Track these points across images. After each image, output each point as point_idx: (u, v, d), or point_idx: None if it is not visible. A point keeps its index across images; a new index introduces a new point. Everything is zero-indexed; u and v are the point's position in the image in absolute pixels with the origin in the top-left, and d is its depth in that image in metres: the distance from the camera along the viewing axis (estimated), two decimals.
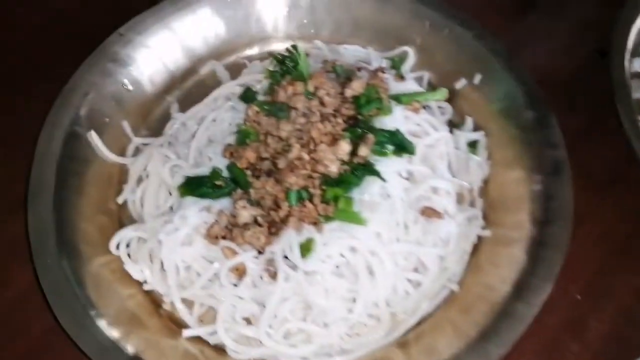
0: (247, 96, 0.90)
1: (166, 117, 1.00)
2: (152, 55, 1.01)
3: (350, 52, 1.05)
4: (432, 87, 1.00)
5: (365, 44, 1.06)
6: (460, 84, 0.98)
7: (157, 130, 0.99)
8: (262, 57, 1.06)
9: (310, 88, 0.83)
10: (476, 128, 0.94)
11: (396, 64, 1.02)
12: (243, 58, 1.07)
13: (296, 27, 1.07)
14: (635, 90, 1.01)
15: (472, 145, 0.93)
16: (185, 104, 1.01)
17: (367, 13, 1.05)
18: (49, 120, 0.89)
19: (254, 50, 1.07)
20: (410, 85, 0.95)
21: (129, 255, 0.84)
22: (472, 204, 0.89)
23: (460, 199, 0.88)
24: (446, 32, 0.99)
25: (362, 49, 1.06)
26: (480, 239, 0.85)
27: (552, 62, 1.08)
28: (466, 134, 0.93)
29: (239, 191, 0.79)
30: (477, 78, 0.96)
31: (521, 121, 0.89)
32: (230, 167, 0.80)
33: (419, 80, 1.01)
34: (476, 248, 0.84)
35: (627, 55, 1.03)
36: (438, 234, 0.81)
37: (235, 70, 1.05)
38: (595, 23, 1.11)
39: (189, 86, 1.04)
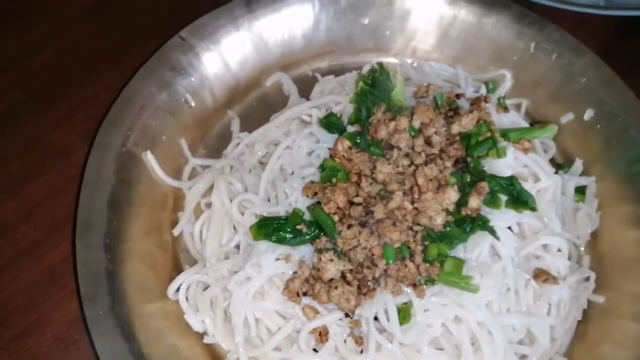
0: (331, 123, 0.77)
1: (226, 135, 0.88)
2: (216, 60, 0.88)
3: (436, 71, 0.93)
4: (528, 118, 0.88)
5: (452, 61, 0.94)
6: (567, 118, 0.85)
7: (216, 149, 0.87)
8: (334, 71, 0.94)
9: (416, 124, 0.70)
10: (584, 172, 0.82)
11: (490, 89, 0.89)
12: (313, 70, 0.94)
13: (373, 39, 0.95)
14: None
15: (579, 191, 0.81)
16: (247, 120, 0.89)
17: (460, 25, 0.92)
18: (99, 140, 0.77)
19: (324, 63, 0.95)
20: (514, 118, 0.82)
21: (186, 298, 0.73)
22: (578, 261, 0.77)
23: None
24: (554, 57, 0.87)
25: (450, 67, 0.93)
26: (590, 304, 0.73)
27: None
28: (575, 179, 0.80)
29: (323, 239, 0.68)
30: (589, 114, 0.83)
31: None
32: (315, 211, 0.68)
33: (515, 108, 0.89)
34: (585, 316, 0.73)
35: None
36: (550, 300, 0.70)
37: (303, 83, 0.93)
38: None
39: (251, 100, 0.92)
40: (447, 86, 0.89)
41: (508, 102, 0.88)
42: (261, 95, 0.93)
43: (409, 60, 0.93)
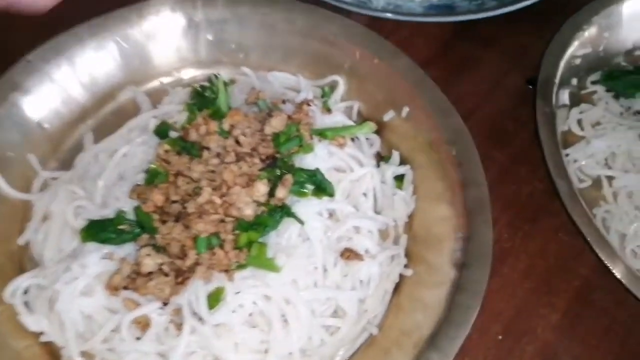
0: (162, 131, 0.84)
1: (79, 149, 0.94)
2: (65, 79, 0.94)
3: (279, 80, 1.02)
4: (362, 118, 0.98)
5: (296, 70, 1.03)
6: (388, 116, 0.96)
7: (68, 162, 0.92)
8: (186, 84, 1.01)
9: (226, 127, 0.78)
10: (404, 161, 0.93)
11: (326, 93, 0.99)
12: (167, 84, 1.01)
13: (223, 52, 1.03)
14: (560, 123, 1.02)
15: (399, 179, 0.91)
16: (102, 133, 0.94)
17: (297, 40, 1.02)
18: None
19: (176, 76, 1.02)
20: (337, 118, 0.92)
21: (26, 303, 0.77)
22: (396, 240, 0.87)
23: (384, 235, 0.86)
24: (375, 62, 0.97)
25: (292, 76, 1.02)
26: (402, 277, 0.83)
27: (482, 94, 1.08)
28: (392, 168, 0.90)
29: (144, 236, 0.74)
30: (405, 111, 0.94)
31: (444, 156, 0.88)
32: (137, 211, 0.75)
33: (349, 110, 0.99)
34: (398, 287, 0.82)
35: (555, 87, 1.04)
36: (358, 276, 0.79)
37: (158, 96, 0.99)
38: (527, 54, 1.13)
39: (105, 113, 0.98)
40: (289, 93, 0.98)
41: (342, 104, 0.98)
42: (116, 109, 0.98)
43: (254, 72, 1.02)
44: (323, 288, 0.76)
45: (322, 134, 0.86)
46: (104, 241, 0.74)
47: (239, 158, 0.76)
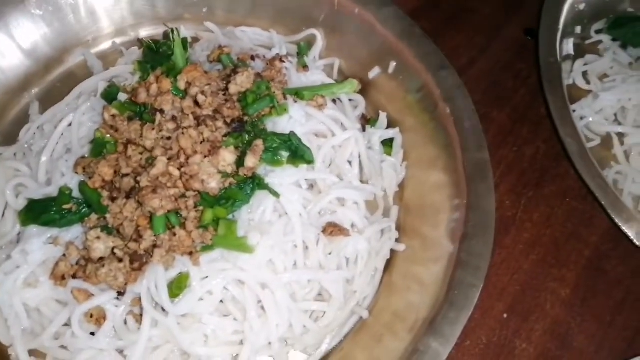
0: (110, 94, 0.73)
1: (25, 120, 0.82)
2: (4, 43, 0.82)
3: (250, 36, 0.90)
4: (344, 76, 0.87)
5: (268, 25, 0.91)
6: (373, 73, 0.85)
7: (13, 136, 0.81)
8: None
9: (181, 85, 0.67)
10: (393, 124, 0.82)
11: (303, 50, 0.87)
12: (120, 44, 0.89)
13: (184, 6, 0.90)
14: (564, 77, 0.92)
15: (388, 143, 0.81)
16: (51, 102, 0.82)
17: None
18: None
19: (132, 35, 0.90)
20: (315, 76, 0.81)
21: None
22: (386, 212, 0.77)
23: (373, 206, 0.76)
24: (357, 11, 0.85)
25: (264, 31, 0.91)
26: (394, 253, 0.73)
27: (477, 47, 0.97)
28: (379, 132, 0.80)
29: (93, 216, 0.64)
30: (392, 66, 0.83)
31: (438, 116, 0.77)
32: (81, 187, 0.64)
33: (329, 67, 0.88)
34: (389, 265, 0.73)
35: (558, 36, 0.94)
36: (344, 254, 0.69)
37: (112, 59, 0.87)
38: (525, 2, 1.02)
39: (53, 80, 0.86)
40: (260, 50, 0.86)
41: (321, 62, 0.87)
42: (65, 74, 0.87)
43: (219, 27, 0.89)
44: (304, 269, 0.66)
45: (298, 93, 0.75)
46: (46, 223, 0.64)
47: (200, 122, 0.65)
